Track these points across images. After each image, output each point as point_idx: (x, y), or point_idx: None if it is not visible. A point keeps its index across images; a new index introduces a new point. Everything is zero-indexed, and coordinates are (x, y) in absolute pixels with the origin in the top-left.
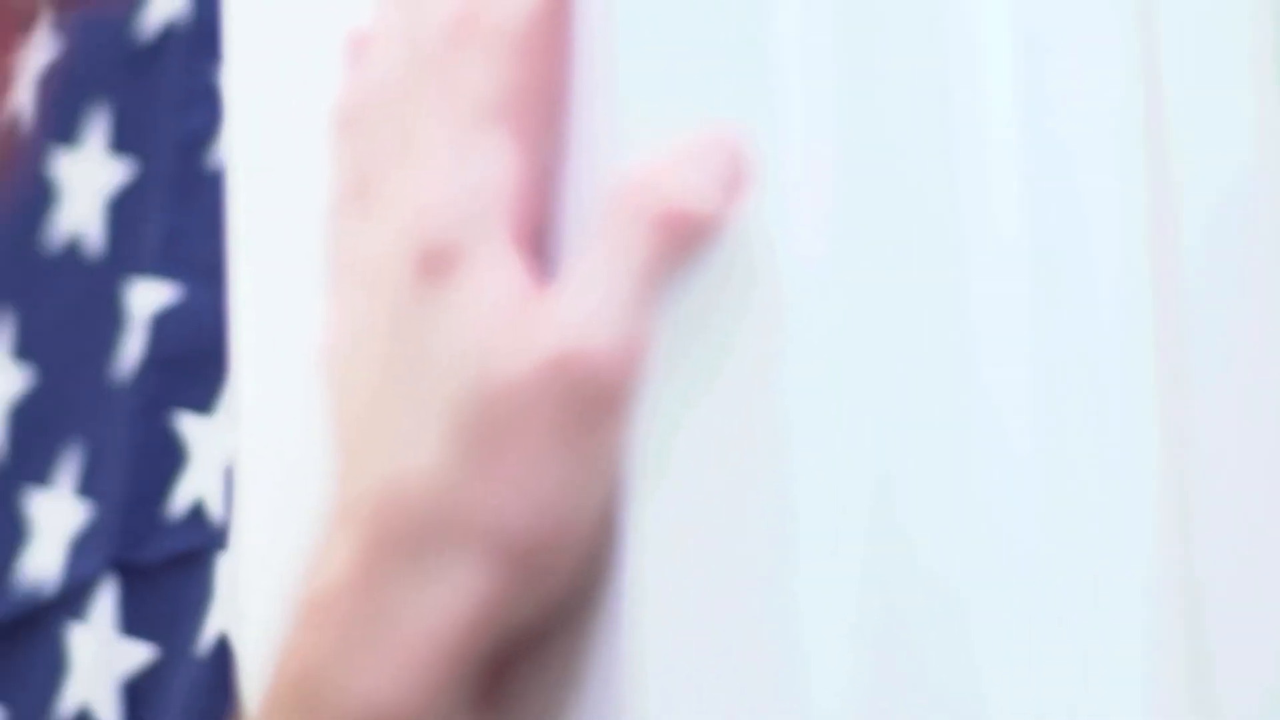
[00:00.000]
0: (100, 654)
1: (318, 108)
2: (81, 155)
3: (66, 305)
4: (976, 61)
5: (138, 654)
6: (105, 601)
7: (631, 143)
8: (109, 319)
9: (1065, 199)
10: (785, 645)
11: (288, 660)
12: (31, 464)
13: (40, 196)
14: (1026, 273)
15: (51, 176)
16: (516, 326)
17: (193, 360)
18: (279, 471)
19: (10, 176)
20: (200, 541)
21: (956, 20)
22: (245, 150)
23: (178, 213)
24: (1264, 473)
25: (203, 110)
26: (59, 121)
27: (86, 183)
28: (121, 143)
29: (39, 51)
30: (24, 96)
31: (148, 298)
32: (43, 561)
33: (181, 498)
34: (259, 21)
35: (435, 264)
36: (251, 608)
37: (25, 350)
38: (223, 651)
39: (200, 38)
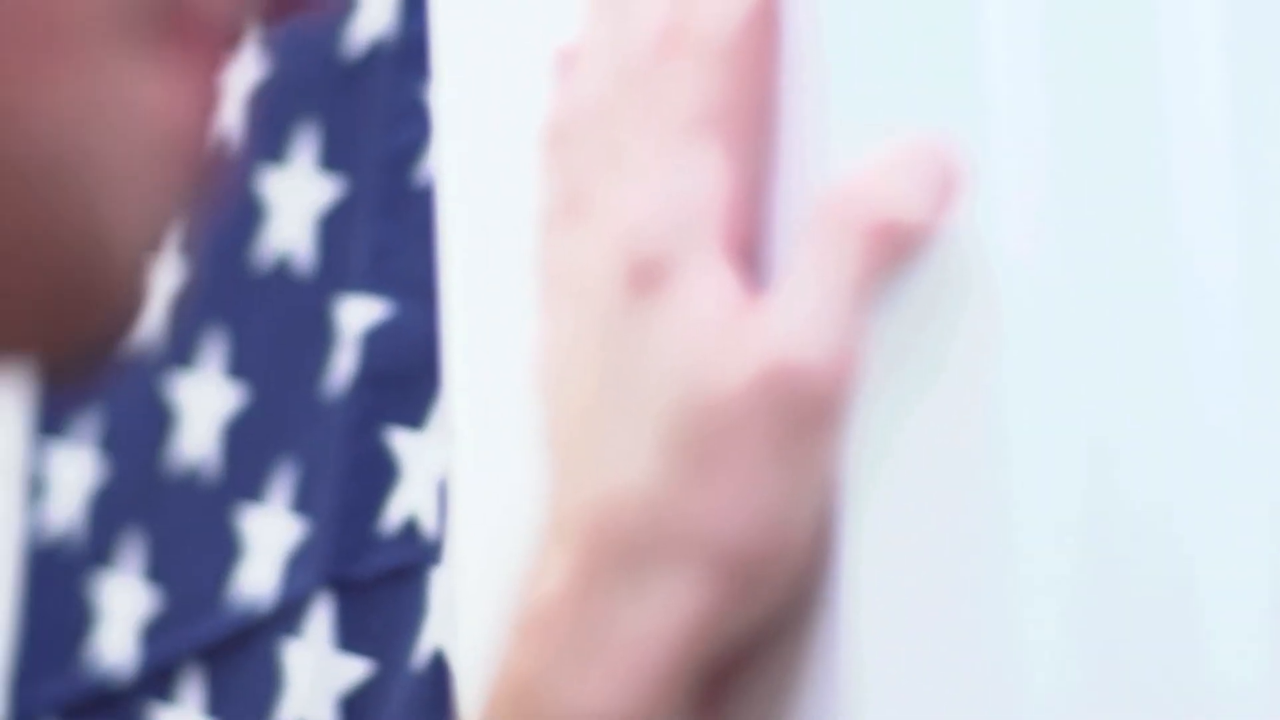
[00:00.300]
0: (317, 670)
1: (527, 123)
2: (291, 173)
3: (278, 323)
4: (1187, 58)
5: (354, 670)
6: (321, 618)
7: (841, 151)
8: (320, 336)
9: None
10: (1004, 649)
11: (505, 674)
12: (245, 481)
13: (250, 215)
14: (1238, 267)
15: (261, 195)
16: (729, 338)
17: (404, 376)
18: (493, 487)
19: (220, 195)
20: (414, 557)
21: (1167, 19)
22: (455, 166)
23: (387, 229)
24: None
25: (411, 126)
26: (268, 140)
27: (296, 201)
28: (330, 160)
29: (247, 70)
30: (233, 115)
31: (358, 314)
32: (258, 578)
33: (394, 513)
34: (467, 37)
35: (647, 277)
36: (468, 622)
37: (238, 368)
38: (438, 666)
39: (408, 54)
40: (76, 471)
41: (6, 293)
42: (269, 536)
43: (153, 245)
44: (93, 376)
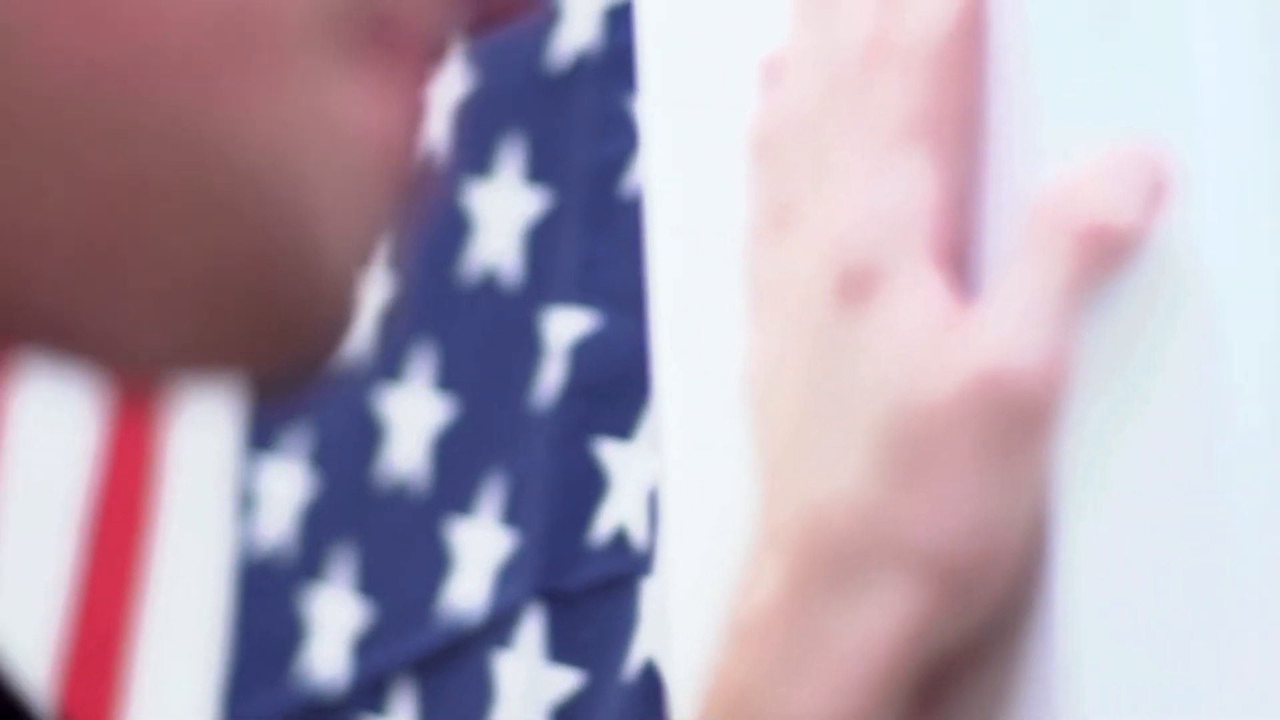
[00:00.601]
0: (528, 682)
1: (734, 133)
2: (496, 186)
3: (485, 335)
4: None
5: (565, 681)
6: (531, 629)
7: (1050, 157)
8: (528, 348)
9: None
10: (1222, 652)
11: (720, 683)
12: (455, 494)
13: (457, 228)
14: None
15: (468, 208)
16: (939, 346)
17: (612, 387)
18: (704, 496)
19: (427, 209)
20: (624, 568)
21: None
22: (663, 176)
23: (593, 241)
24: None
25: (617, 137)
26: (473, 153)
27: (502, 213)
28: (536, 172)
29: (452, 83)
30: (438, 128)
31: (565, 326)
32: (468, 591)
33: (604, 524)
34: (673, 48)
35: (856, 286)
36: (680, 632)
37: (447, 380)
38: (650, 677)
39: (612, 65)
40: (287, 486)
41: (219, 309)
42: (479, 549)
43: (363, 260)
44: (303, 391)
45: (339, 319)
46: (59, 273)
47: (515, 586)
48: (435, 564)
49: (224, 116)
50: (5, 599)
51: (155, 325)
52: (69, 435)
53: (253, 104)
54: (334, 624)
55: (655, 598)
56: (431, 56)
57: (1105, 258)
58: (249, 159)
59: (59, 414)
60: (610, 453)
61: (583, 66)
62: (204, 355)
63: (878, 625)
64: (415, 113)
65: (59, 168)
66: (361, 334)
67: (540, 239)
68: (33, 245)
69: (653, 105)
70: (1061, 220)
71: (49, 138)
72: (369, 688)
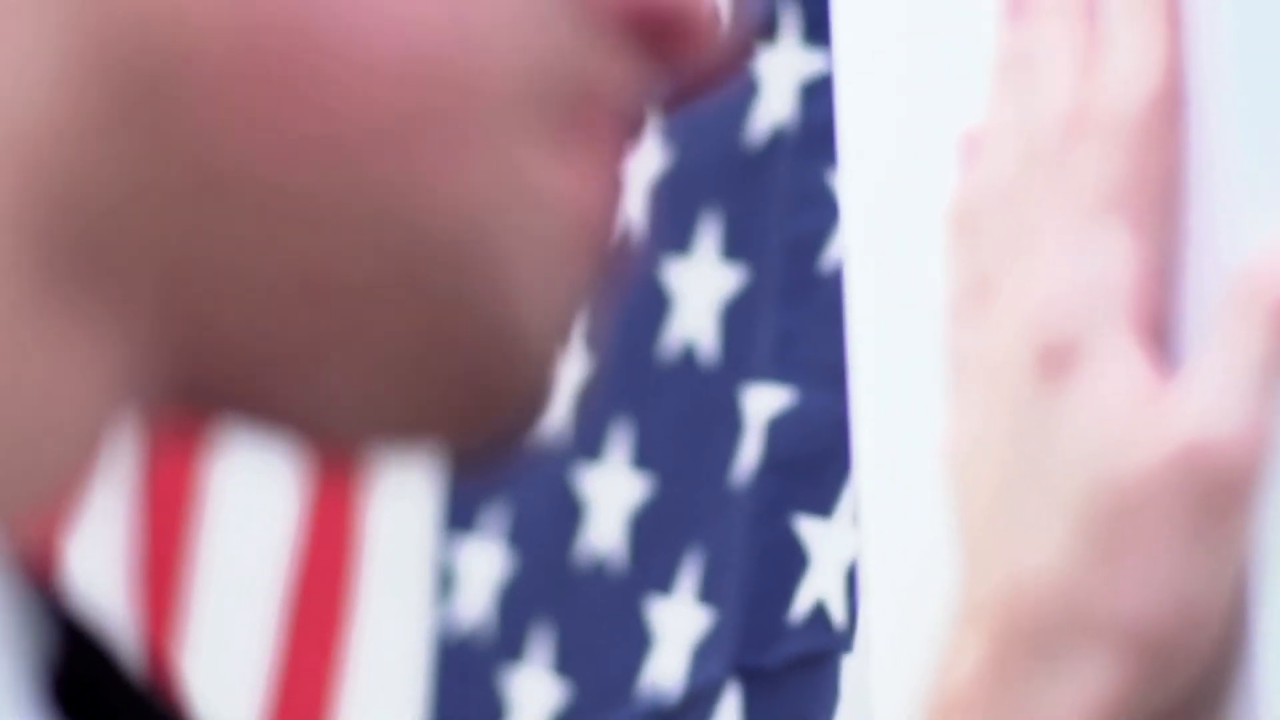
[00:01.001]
0: None
1: (933, 206)
2: (694, 263)
3: (683, 412)
4: None
5: None
6: (729, 707)
7: (1249, 227)
8: (725, 424)
9: None
10: None
11: None
12: (653, 572)
13: (655, 305)
14: None
15: (665, 285)
16: (1140, 419)
17: (810, 463)
18: (904, 572)
19: (625, 285)
20: (823, 644)
21: None
22: (862, 250)
23: (790, 316)
24: None
25: (815, 212)
26: (672, 229)
27: (700, 290)
28: (733, 249)
29: (649, 159)
30: (637, 204)
31: (763, 402)
32: (666, 669)
33: (803, 601)
34: (872, 121)
35: (1057, 359)
36: (882, 708)
37: (644, 458)
38: None
39: (810, 139)
40: (486, 565)
41: (419, 381)
42: (677, 627)
43: (561, 335)
44: (501, 466)
45: (537, 394)
46: (263, 346)
47: (713, 664)
48: (634, 642)
49: (426, 190)
50: (206, 673)
51: (356, 397)
52: (270, 509)
53: (454, 178)
54: (532, 704)
55: (855, 674)
56: (630, 131)
57: None
58: (450, 232)
59: (261, 487)
60: (809, 529)
61: (780, 141)
62: (403, 428)
63: (1079, 699)
64: (614, 188)
65: (265, 243)
66: (560, 411)
67: (738, 315)
68: (238, 319)
69: (852, 179)
70: (1260, 291)
71: (255, 213)
72: None
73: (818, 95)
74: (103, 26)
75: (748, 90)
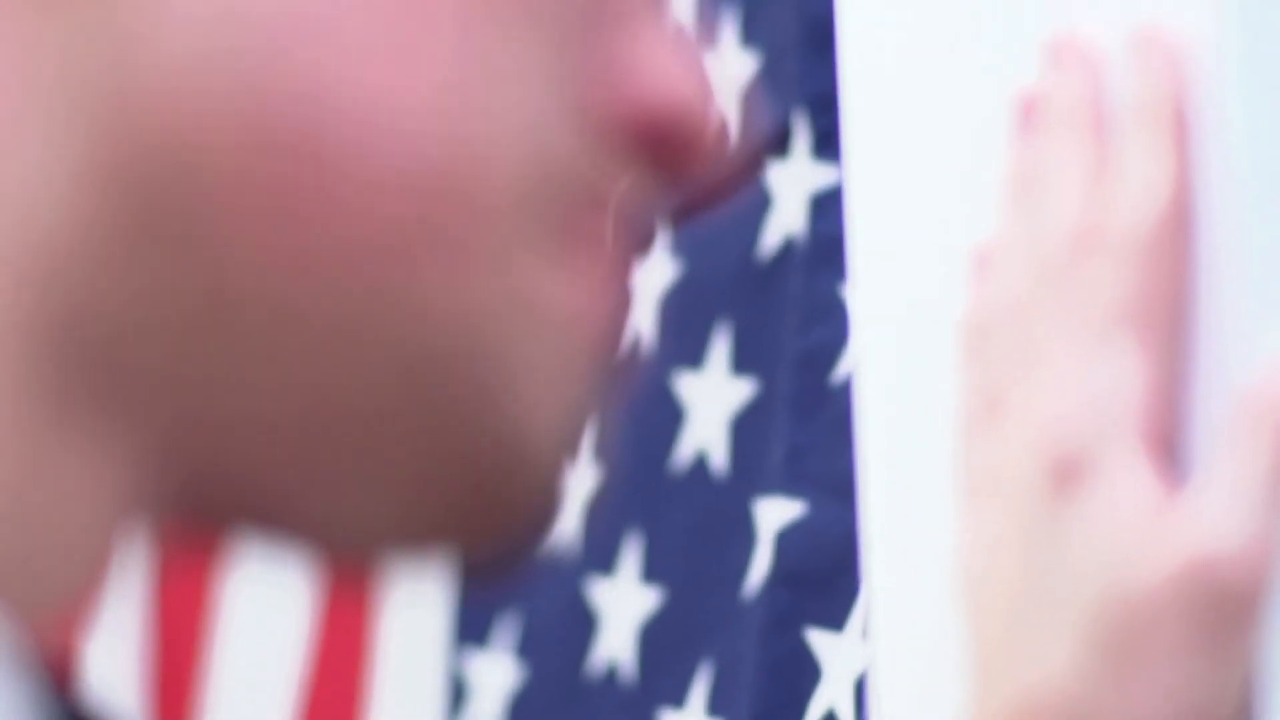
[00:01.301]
0: None
1: (943, 320)
2: (705, 374)
3: (693, 524)
4: None
5: None
6: None
7: (1258, 345)
8: (736, 536)
9: None
10: None
11: None
12: (665, 684)
13: (666, 417)
14: None
15: (677, 396)
16: (1148, 534)
17: (820, 576)
18: (915, 685)
19: (634, 397)
20: None
21: None
22: (872, 364)
23: (800, 429)
24: None
25: (825, 325)
26: (682, 343)
27: (711, 402)
28: (744, 361)
29: (661, 270)
30: (646, 316)
31: (773, 514)
32: None
33: (814, 714)
34: (883, 235)
35: (1067, 474)
36: None
37: (655, 570)
38: None
39: (820, 252)
40: (497, 677)
41: (427, 493)
42: None
43: (567, 447)
44: (510, 577)
45: (545, 504)
46: (272, 463)
47: None
48: None
49: (429, 302)
50: None
51: (365, 510)
52: (283, 619)
53: (457, 290)
54: None
55: None
56: (637, 243)
57: None
58: (454, 344)
59: (274, 597)
60: (820, 641)
61: (791, 254)
62: (413, 539)
63: None
64: (621, 299)
65: (269, 359)
66: (571, 522)
67: (748, 427)
68: (245, 432)
69: (862, 292)
70: (1267, 408)
71: (262, 330)
72: None
73: (828, 208)
74: (113, 146)
75: (759, 203)
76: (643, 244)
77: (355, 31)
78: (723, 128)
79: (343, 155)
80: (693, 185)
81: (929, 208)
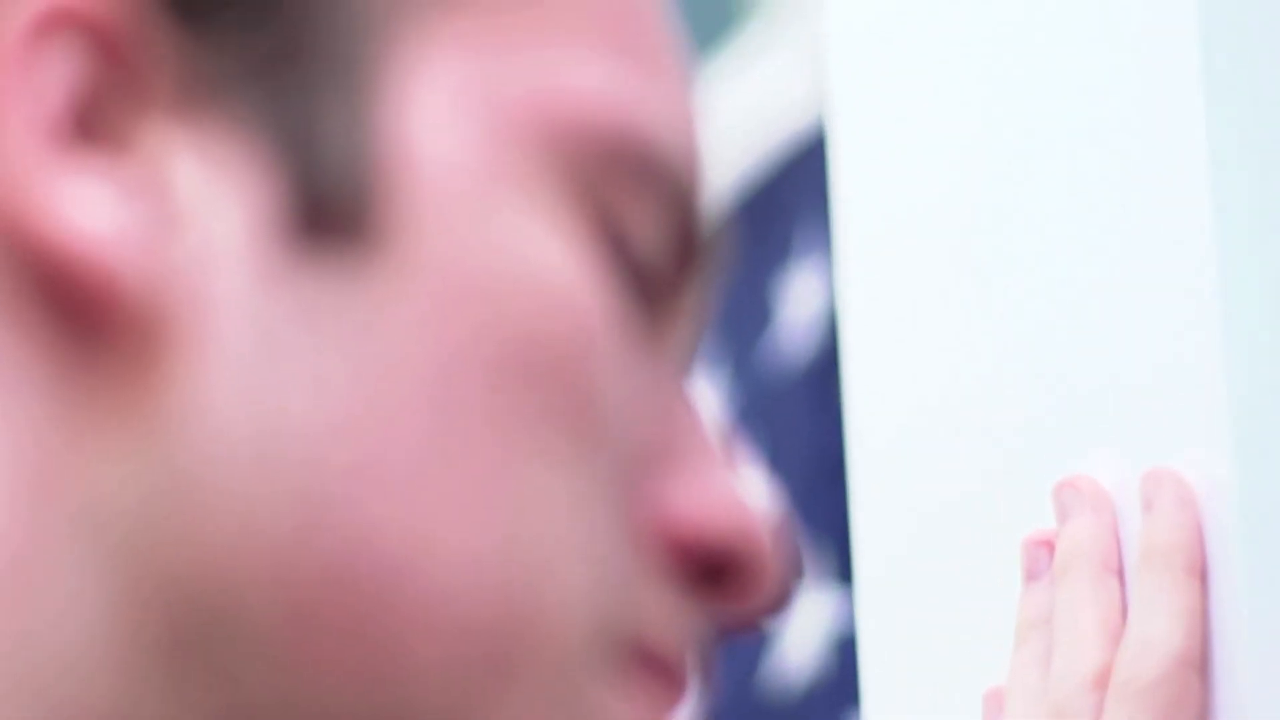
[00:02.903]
0: None
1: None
2: None
3: None
4: None
5: None
6: None
7: None
8: None
9: None
10: None
11: None
12: None
13: None
14: None
15: None
16: None
17: None
18: None
19: None
20: None
21: None
22: None
23: None
24: None
25: None
26: None
27: None
28: None
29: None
30: None
31: None
32: None
33: None
34: (895, 677)
35: None
36: None
37: None
38: None
39: (837, 688)
40: None
41: None
42: None
43: None
44: None
45: None
46: None
47: None
48: None
49: None
50: None
51: None
52: None
53: (518, 713)
54: None
55: None
56: (693, 669)
57: None
58: None
59: None
60: None
61: (812, 695)
62: None
63: None
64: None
65: None
66: None
67: None
68: None
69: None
70: None
71: None
72: None
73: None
74: (148, 579)
75: (768, 638)
76: (698, 669)
77: (407, 475)
78: (778, 557)
79: (396, 599)
80: (752, 613)
81: (941, 651)
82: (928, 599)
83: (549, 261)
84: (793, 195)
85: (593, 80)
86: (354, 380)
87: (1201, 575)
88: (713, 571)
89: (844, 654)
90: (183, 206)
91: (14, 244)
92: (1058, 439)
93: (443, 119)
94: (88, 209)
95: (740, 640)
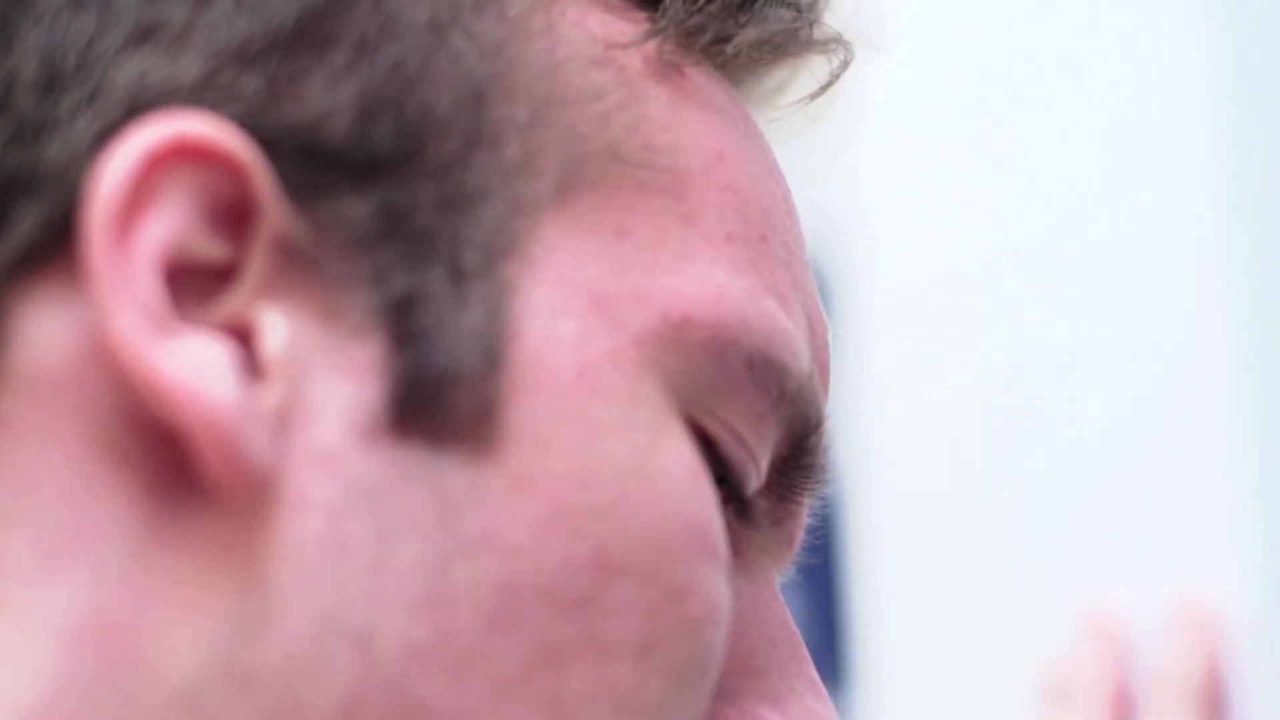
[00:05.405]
0: None
1: None
2: None
3: None
4: None
5: None
6: None
7: None
8: None
9: None
10: None
11: None
12: None
13: None
14: None
15: None
16: None
17: None
18: None
19: None
20: None
21: None
22: None
23: None
24: None
25: None
26: None
27: None
28: None
29: None
30: None
31: None
32: None
33: None
34: None
35: None
36: None
37: None
38: None
39: None
40: None
41: None
42: None
43: None
44: None
45: None
46: None
47: None
48: None
49: None
50: None
51: None
52: None
53: None
54: None
55: None
56: None
57: None
58: None
59: None
60: None
61: None
62: None
63: None
64: None
65: None
66: None
67: None
68: None
69: None
70: None
71: None
72: None
73: None
74: None
75: None
76: None
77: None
78: None
79: None
80: None
81: None
82: None
83: (663, 472)
84: None
85: (710, 282)
86: (433, 573)
87: (1221, 708)
88: None
89: None
90: (293, 380)
91: (124, 404)
92: (1078, 558)
93: (558, 318)
94: (209, 373)
95: None
